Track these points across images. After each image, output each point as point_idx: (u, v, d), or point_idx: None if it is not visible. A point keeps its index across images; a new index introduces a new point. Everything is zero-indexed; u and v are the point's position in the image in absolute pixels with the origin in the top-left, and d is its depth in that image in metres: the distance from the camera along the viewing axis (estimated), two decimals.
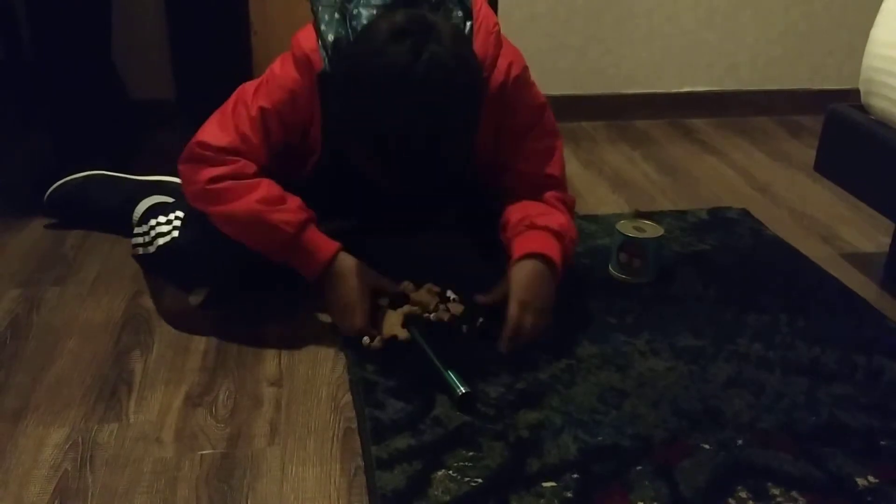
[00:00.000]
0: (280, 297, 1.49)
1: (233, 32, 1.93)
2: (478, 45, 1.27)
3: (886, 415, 1.22)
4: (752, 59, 2.56)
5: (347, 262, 1.32)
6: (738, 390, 1.27)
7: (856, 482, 1.10)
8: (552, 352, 1.34)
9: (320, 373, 1.30)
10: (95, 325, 1.40)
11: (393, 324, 1.30)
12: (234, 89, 1.37)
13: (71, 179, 1.72)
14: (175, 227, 1.44)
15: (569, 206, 1.43)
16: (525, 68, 1.36)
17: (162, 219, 1.47)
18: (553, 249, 1.30)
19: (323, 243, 1.31)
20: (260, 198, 1.27)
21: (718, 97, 2.58)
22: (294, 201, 1.31)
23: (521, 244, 1.31)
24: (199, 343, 1.36)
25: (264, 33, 1.87)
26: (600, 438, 1.15)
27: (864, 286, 1.60)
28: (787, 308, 1.49)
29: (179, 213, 1.46)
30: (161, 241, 1.44)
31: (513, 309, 1.26)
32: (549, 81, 2.48)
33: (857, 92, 1.55)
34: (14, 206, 1.78)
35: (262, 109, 1.29)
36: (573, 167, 2.17)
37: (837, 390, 1.28)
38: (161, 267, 1.49)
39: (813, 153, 1.68)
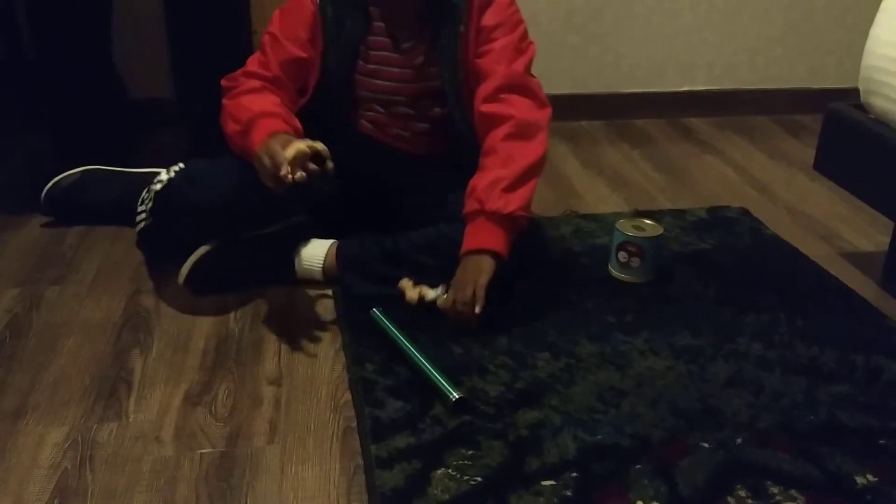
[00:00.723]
0: (279, 295, 1.49)
1: (233, 32, 1.93)
2: None
3: (885, 414, 1.22)
4: (752, 58, 2.56)
5: (284, 136, 1.29)
6: (737, 389, 1.27)
7: (855, 481, 1.10)
8: (551, 351, 1.34)
9: (320, 372, 1.30)
10: (95, 324, 1.40)
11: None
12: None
13: (67, 175, 1.73)
14: (174, 173, 1.49)
15: (524, 130, 1.41)
16: None
17: (162, 173, 1.51)
18: (496, 240, 1.35)
19: (275, 125, 1.32)
20: (247, 89, 1.40)
21: (718, 96, 2.58)
22: (276, 101, 1.39)
23: (468, 237, 1.37)
24: (199, 342, 1.36)
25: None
26: (599, 437, 1.16)
27: (863, 285, 1.60)
28: (786, 307, 1.49)
29: (181, 164, 1.52)
30: (158, 186, 1.48)
31: (448, 301, 1.34)
32: (549, 80, 2.46)
33: (856, 91, 1.55)
34: (14, 206, 1.78)
35: (269, 33, 1.46)
36: (573, 166, 2.18)
37: (836, 389, 1.28)
38: (159, 219, 1.48)
39: (812, 152, 1.68)
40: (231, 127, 1.38)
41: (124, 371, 1.29)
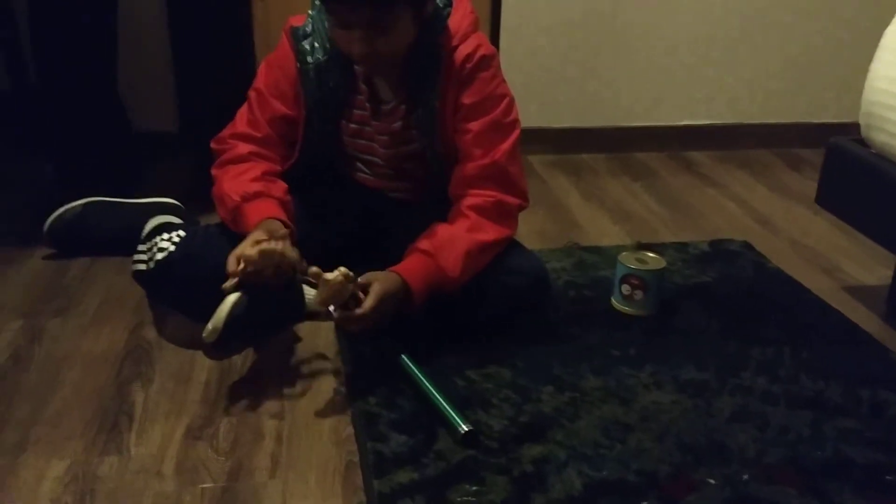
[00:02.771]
0: (282, 328, 1.49)
1: (238, 67, 1.95)
2: (453, 21, 1.38)
3: (891, 449, 1.21)
4: (752, 92, 2.58)
5: (274, 223, 1.31)
6: (743, 424, 1.26)
7: None
8: (556, 384, 1.34)
9: (322, 405, 1.29)
10: (97, 357, 1.40)
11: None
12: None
13: (70, 208, 1.73)
14: (174, 244, 1.47)
15: (498, 209, 1.39)
16: (493, 57, 1.40)
17: (165, 236, 1.50)
18: (422, 288, 1.30)
19: (260, 212, 1.34)
20: (230, 175, 1.40)
21: (718, 130, 2.60)
22: (256, 175, 1.39)
23: (407, 263, 1.32)
24: (201, 374, 1.36)
25: None
26: (605, 473, 1.14)
27: (866, 319, 1.60)
28: (790, 341, 1.49)
29: (182, 233, 1.50)
30: (160, 255, 1.47)
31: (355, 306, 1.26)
32: (550, 114, 2.51)
33: (856, 125, 1.56)
34: (17, 237, 1.79)
35: (254, 89, 1.46)
36: (574, 198, 2.18)
37: (842, 424, 1.27)
38: (156, 284, 1.50)
39: (813, 186, 1.69)
40: (220, 212, 1.41)
41: (126, 404, 1.28)
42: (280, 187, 1.42)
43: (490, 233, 1.37)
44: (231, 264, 1.25)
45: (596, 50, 2.46)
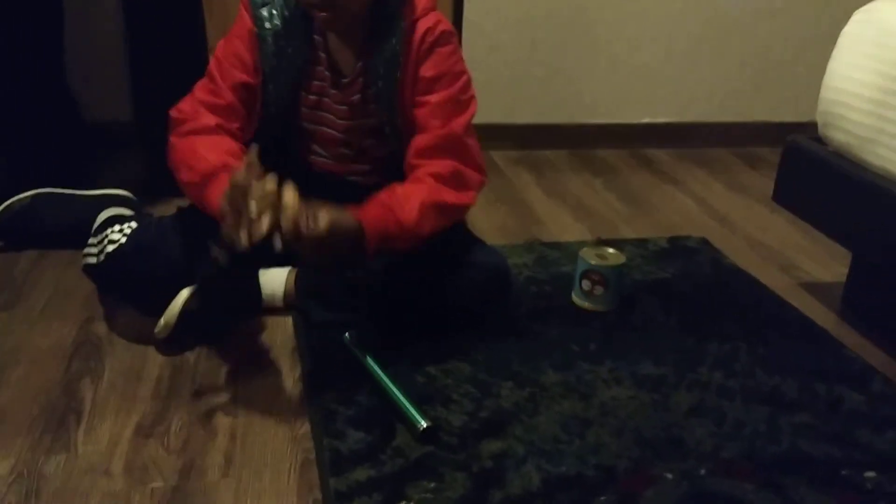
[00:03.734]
0: (237, 322, 1.46)
1: (192, 53, 1.91)
2: None
3: (847, 444, 1.23)
4: (711, 92, 2.61)
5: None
6: (700, 419, 1.26)
7: None
8: (516, 380, 1.33)
9: (278, 402, 1.27)
10: (44, 352, 1.35)
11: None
12: None
13: (18, 199, 1.68)
14: (125, 236, 1.42)
15: (457, 177, 1.36)
16: (452, 34, 1.39)
17: (116, 227, 1.46)
18: (377, 234, 1.25)
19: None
20: (207, 142, 1.32)
21: (677, 129, 2.62)
22: (234, 149, 1.32)
23: (367, 206, 1.27)
24: (152, 370, 1.32)
25: None
26: (564, 468, 1.14)
27: (822, 315, 1.62)
28: (746, 336, 1.50)
29: (133, 224, 1.45)
30: (110, 247, 1.43)
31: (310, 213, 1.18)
32: (513, 110, 2.51)
33: (813, 125, 1.58)
34: None
35: (215, 57, 1.42)
36: (536, 194, 2.18)
37: (798, 419, 1.28)
38: (107, 277, 1.46)
39: (770, 184, 1.70)
40: (186, 175, 1.31)
41: (74, 401, 1.24)
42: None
43: (449, 196, 1.34)
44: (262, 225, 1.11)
45: (559, 47, 2.46)
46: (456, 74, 1.38)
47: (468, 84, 1.40)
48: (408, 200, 1.29)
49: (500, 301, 1.50)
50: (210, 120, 1.36)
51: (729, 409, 1.29)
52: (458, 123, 1.37)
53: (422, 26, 1.36)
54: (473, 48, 2.39)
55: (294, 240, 1.14)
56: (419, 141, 1.37)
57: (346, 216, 1.23)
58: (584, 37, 2.46)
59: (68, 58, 1.88)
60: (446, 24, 1.39)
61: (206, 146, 1.32)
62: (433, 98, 1.37)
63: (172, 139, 1.37)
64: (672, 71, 2.56)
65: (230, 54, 1.40)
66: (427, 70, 1.36)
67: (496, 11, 2.38)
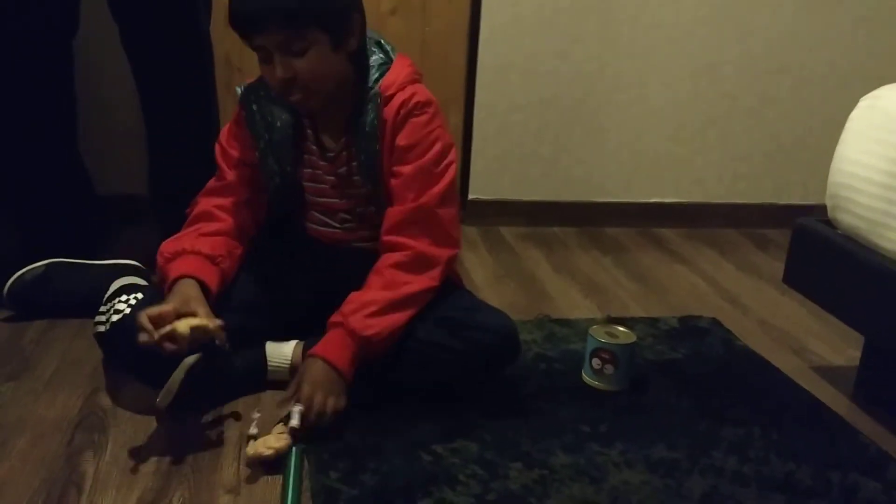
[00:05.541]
0: (240, 399, 1.44)
1: (207, 129, 1.94)
2: (391, 74, 1.42)
3: None
4: (719, 174, 2.64)
5: (187, 285, 1.34)
6: None
7: None
8: (524, 461, 1.30)
9: (280, 481, 1.24)
10: (49, 423, 1.34)
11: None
12: (205, 181, 1.53)
13: (31, 269, 1.69)
14: (130, 307, 1.43)
15: (418, 262, 1.39)
16: (428, 104, 1.42)
17: (124, 298, 1.47)
18: (343, 357, 1.33)
19: (186, 266, 1.37)
20: (183, 233, 1.44)
21: (686, 209, 2.64)
22: (204, 231, 1.44)
23: (323, 342, 1.35)
24: (156, 444, 1.30)
25: None
26: None
27: (835, 400, 1.59)
28: (760, 421, 1.47)
29: (139, 295, 1.46)
30: (115, 317, 1.44)
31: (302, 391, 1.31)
32: (522, 187, 2.53)
33: (821, 207, 1.58)
34: None
35: (218, 143, 1.52)
36: (545, 271, 2.18)
37: None
38: (111, 347, 1.47)
39: (780, 265, 1.70)
40: (160, 256, 1.42)
41: (75, 474, 1.22)
42: (219, 243, 1.43)
43: (409, 286, 1.37)
44: (145, 322, 1.23)
45: (567, 129, 2.50)
46: (429, 143, 1.41)
47: (443, 152, 1.42)
48: (363, 310, 1.34)
49: (508, 363, 1.48)
50: (206, 205, 1.48)
51: (744, 497, 1.26)
52: (431, 195, 1.40)
53: (398, 98, 1.41)
54: (485, 128, 2.43)
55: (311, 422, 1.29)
56: (392, 214, 1.41)
57: (315, 370, 1.31)
58: (591, 119, 2.50)
59: (81, 131, 1.92)
60: (423, 95, 1.42)
61: (172, 240, 1.44)
62: (406, 169, 1.40)
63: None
64: (680, 153, 2.59)
65: (230, 137, 1.50)
66: (402, 139, 1.41)
67: (506, 95, 2.43)
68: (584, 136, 2.52)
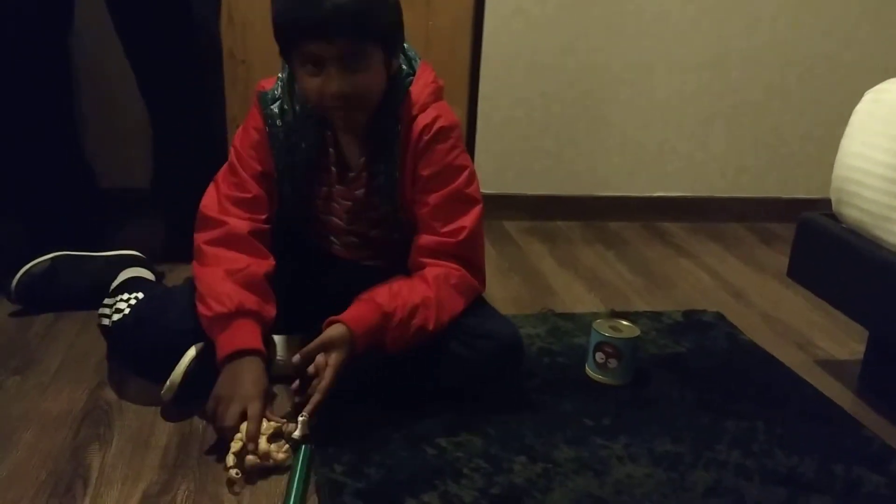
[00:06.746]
0: None
1: (211, 122, 1.95)
2: (415, 90, 1.36)
3: None
4: (723, 168, 2.63)
5: (254, 364, 1.28)
6: (718, 500, 1.23)
7: None
8: (528, 454, 1.31)
9: (285, 474, 1.25)
10: (54, 417, 1.35)
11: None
12: (209, 178, 1.46)
13: (37, 263, 1.70)
14: (129, 306, 1.43)
15: (463, 283, 1.38)
16: (451, 129, 1.38)
17: (125, 296, 1.48)
18: (367, 337, 1.29)
19: (247, 336, 1.30)
20: (226, 269, 1.33)
21: (690, 203, 2.64)
22: (256, 276, 1.34)
23: (354, 309, 1.31)
24: (161, 438, 1.31)
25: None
26: None
27: (839, 393, 1.60)
28: (764, 415, 1.47)
29: (140, 295, 1.45)
30: (116, 316, 1.45)
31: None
32: (526, 182, 2.53)
33: (825, 201, 1.58)
34: None
35: (234, 148, 1.44)
36: (549, 265, 2.18)
37: (817, 501, 1.25)
38: (113, 344, 1.49)
39: (784, 259, 1.70)
40: (203, 309, 1.32)
41: (81, 467, 1.23)
42: (262, 288, 1.36)
43: (453, 303, 1.35)
44: (228, 421, 1.23)
45: (572, 123, 2.50)
46: (455, 169, 1.38)
47: (470, 179, 1.39)
48: (401, 297, 1.31)
49: (512, 372, 1.49)
50: (241, 226, 1.37)
51: (747, 491, 1.26)
52: (464, 228, 1.37)
53: (419, 123, 1.35)
54: (488, 122, 2.43)
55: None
56: (425, 241, 1.38)
57: (348, 346, 1.27)
58: (595, 113, 2.50)
59: (84, 125, 1.92)
60: (446, 119, 1.37)
61: (230, 278, 1.32)
62: (433, 198, 1.37)
63: (200, 243, 1.38)
64: (684, 147, 2.59)
65: (247, 146, 1.42)
66: (424, 168, 1.36)
67: (510, 88, 2.43)
68: (589, 130, 2.51)
